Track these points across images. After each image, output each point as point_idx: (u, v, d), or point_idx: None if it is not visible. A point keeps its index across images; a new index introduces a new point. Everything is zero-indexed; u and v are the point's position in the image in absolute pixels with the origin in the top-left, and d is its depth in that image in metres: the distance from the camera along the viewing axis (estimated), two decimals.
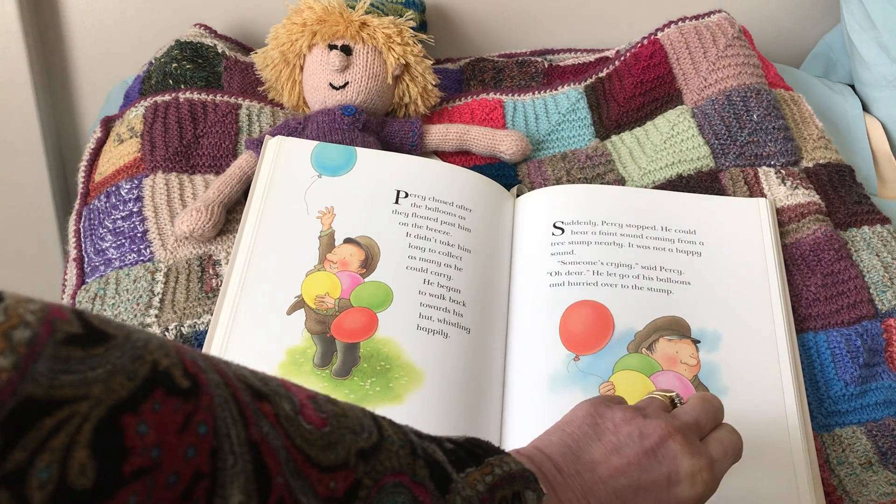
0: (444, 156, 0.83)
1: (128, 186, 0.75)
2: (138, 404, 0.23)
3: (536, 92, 0.88)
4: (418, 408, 0.57)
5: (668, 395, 0.47)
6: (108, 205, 0.75)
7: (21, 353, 0.22)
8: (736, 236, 0.69)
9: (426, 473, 0.33)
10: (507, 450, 0.40)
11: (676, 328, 0.62)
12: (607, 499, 0.39)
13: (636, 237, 0.68)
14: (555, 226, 0.68)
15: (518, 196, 0.74)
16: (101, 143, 0.84)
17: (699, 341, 0.61)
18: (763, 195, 0.75)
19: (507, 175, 0.81)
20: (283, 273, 0.64)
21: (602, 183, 0.79)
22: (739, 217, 0.71)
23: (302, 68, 0.81)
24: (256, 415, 0.27)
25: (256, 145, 0.76)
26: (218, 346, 0.59)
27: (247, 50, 0.96)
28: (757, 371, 0.60)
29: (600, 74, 0.88)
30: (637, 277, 0.65)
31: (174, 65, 0.87)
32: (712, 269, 0.66)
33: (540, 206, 0.71)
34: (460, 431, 0.56)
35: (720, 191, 0.76)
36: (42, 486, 0.21)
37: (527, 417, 0.58)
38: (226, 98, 0.84)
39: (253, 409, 0.27)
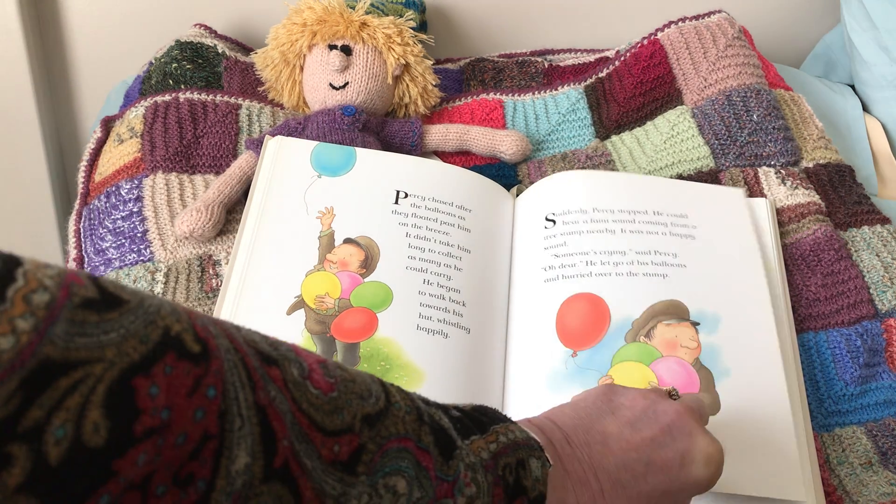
0: (444, 156, 0.83)
1: (128, 186, 0.75)
2: (150, 367, 0.24)
3: (536, 92, 0.88)
4: None
5: (665, 390, 0.48)
6: (108, 205, 0.75)
7: (40, 317, 0.22)
8: (726, 222, 0.69)
9: (431, 440, 0.33)
10: (516, 419, 0.39)
11: (675, 312, 0.61)
12: (616, 473, 0.39)
13: (628, 222, 0.67)
14: (546, 218, 0.68)
15: (518, 196, 0.74)
16: (101, 143, 0.84)
17: (698, 323, 0.61)
18: (763, 195, 0.75)
19: (507, 175, 0.81)
20: (282, 273, 0.64)
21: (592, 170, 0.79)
22: (728, 204, 0.71)
23: (302, 68, 0.81)
24: (265, 379, 0.28)
25: (256, 145, 0.76)
26: None
27: (247, 50, 0.96)
28: (756, 355, 0.60)
29: (600, 74, 0.88)
30: (631, 264, 0.64)
31: (174, 65, 0.87)
32: (706, 252, 0.66)
33: (533, 199, 0.71)
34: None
35: None
36: (58, 442, 0.22)
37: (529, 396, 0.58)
38: (226, 98, 0.84)
39: (261, 373, 0.28)
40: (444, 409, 0.36)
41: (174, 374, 0.24)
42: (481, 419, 0.37)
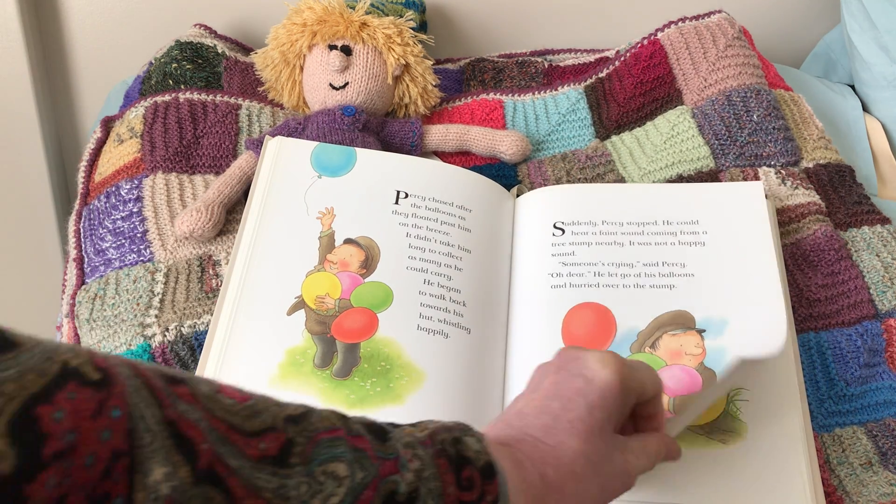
0: (444, 156, 0.83)
1: (128, 186, 0.75)
2: (52, 396, 0.25)
3: (536, 92, 0.88)
4: (419, 408, 0.57)
5: None
6: (108, 205, 0.75)
7: None
8: (741, 220, 0.68)
9: (361, 427, 0.35)
10: None
11: (681, 322, 0.62)
12: (539, 419, 0.42)
13: (637, 234, 0.67)
14: (555, 226, 0.68)
15: (518, 196, 0.74)
16: (101, 143, 0.84)
17: (704, 330, 0.61)
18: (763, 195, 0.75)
19: (507, 175, 0.81)
20: (283, 273, 0.64)
21: (602, 182, 0.79)
22: (740, 201, 0.70)
23: (302, 68, 0.81)
24: (171, 397, 0.29)
25: (256, 145, 0.76)
26: (218, 346, 0.59)
27: (247, 50, 0.96)
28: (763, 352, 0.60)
29: (600, 74, 0.88)
30: (639, 276, 0.64)
31: (174, 65, 0.87)
32: (717, 257, 0.65)
33: (540, 206, 0.71)
34: None
35: None
36: None
37: None
38: (226, 98, 0.84)
39: (167, 392, 0.29)
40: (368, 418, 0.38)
41: (77, 400, 0.26)
42: (414, 423, 0.38)
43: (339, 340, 0.60)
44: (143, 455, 0.27)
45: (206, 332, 0.63)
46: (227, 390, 0.31)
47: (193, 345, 0.63)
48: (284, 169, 0.70)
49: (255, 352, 0.59)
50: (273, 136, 0.74)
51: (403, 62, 0.80)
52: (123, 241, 0.71)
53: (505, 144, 0.80)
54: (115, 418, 0.26)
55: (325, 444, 0.32)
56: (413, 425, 0.38)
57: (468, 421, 0.39)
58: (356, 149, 0.72)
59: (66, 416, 0.25)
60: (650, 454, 0.45)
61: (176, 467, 0.27)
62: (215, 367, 0.58)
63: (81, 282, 0.71)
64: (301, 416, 0.33)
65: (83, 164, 0.82)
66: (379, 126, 0.80)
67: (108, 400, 0.26)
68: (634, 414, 0.47)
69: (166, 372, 0.30)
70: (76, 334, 0.67)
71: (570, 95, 0.87)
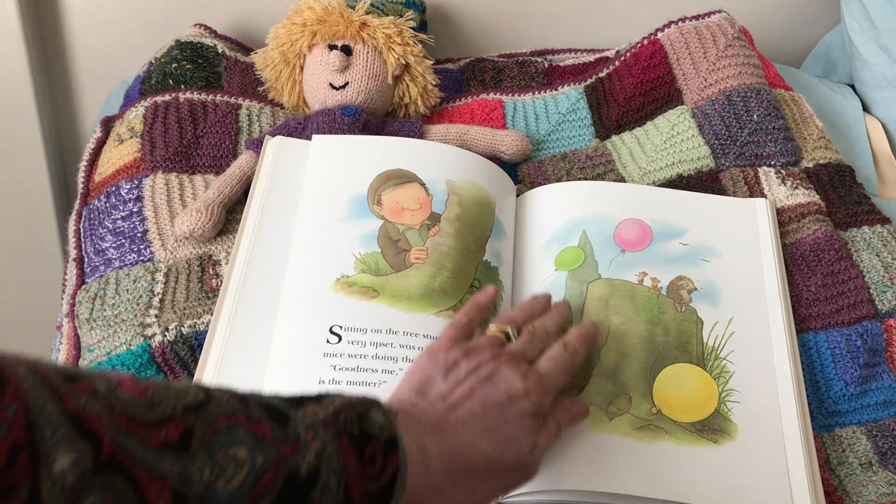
0: None
1: (128, 186, 0.75)
2: None
3: (536, 92, 0.88)
4: None
5: (503, 329, 0.53)
6: (108, 205, 0.75)
7: None
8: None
9: (261, 413, 0.36)
10: None
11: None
12: (462, 417, 0.45)
13: None
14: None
15: (518, 196, 0.74)
16: (101, 143, 0.84)
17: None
18: (763, 195, 0.75)
19: (508, 175, 0.81)
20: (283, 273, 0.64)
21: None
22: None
23: (302, 68, 0.81)
24: (71, 392, 0.30)
25: (256, 145, 0.76)
26: (218, 346, 0.59)
27: (247, 50, 0.96)
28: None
29: (600, 74, 0.88)
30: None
31: (174, 65, 0.87)
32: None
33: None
34: None
35: (720, 191, 0.76)
36: None
37: None
38: (226, 98, 0.84)
39: (67, 388, 0.30)
40: (273, 396, 0.39)
41: None
42: (314, 396, 0.40)
43: None
44: (46, 446, 0.28)
45: (206, 332, 0.63)
46: (125, 384, 0.33)
47: (193, 345, 0.63)
48: (285, 168, 0.70)
49: (255, 351, 0.59)
50: (273, 135, 0.74)
51: (403, 62, 0.80)
52: (123, 240, 0.71)
53: (505, 144, 0.80)
54: (10, 415, 0.27)
55: (225, 430, 0.34)
56: (317, 401, 0.39)
57: None
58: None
59: None
60: (550, 432, 0.49)
61: (81, 456, 0.29)
62: (215, 366, 0.58)
63: (81, 282, 0.71)
64: (200, 404, 0.34)
65: (83, 164, 0.82)
66: (379, 126, 0.80)
67: (3, 399, 0.28)
68: None
69: (63, 369, 0.31)
70: (76, 334, 0.67)
71: (570, 95, 0.87)
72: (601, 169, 0.80)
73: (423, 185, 0.67)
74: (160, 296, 0.66)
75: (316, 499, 0.36)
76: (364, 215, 0.66)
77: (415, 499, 0.41)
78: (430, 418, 0.45)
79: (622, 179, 0.79)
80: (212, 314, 0.63)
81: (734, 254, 0.67)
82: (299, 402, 0.39)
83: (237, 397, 0.36)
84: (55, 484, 0.28)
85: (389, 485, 0.39)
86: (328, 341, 0.59)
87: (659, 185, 0.78)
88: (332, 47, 0.79)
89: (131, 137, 0.80)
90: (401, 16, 0.82)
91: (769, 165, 0.78)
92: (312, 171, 0.69)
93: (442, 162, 0.70)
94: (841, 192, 0.76)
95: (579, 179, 0.79)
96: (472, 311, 0.55)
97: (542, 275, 0.66)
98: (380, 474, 0.38)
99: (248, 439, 0.34)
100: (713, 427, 0.56)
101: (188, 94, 0.83)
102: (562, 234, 0.69)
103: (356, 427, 0.39)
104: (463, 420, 0.45)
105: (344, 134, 0.76)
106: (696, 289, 0.64)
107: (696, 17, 0.88)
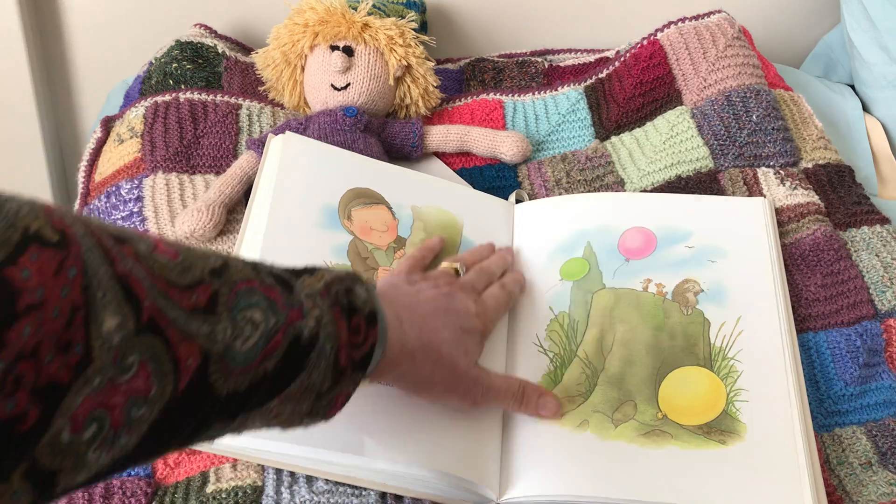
0: (445, 157, 0.83)
1: (128, 186, 0.75)
2: (17, 259, 0.28)
3: (536, 92, 0.88)
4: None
5: (454, 266, 0.61)
6: (108, 205, 0.75)
7: None
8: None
9: (271, 280, 0.40)
10: None
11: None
12: (429, 309, 0.53)
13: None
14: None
15: (518, 202, 0.74)
16: (101, 143, 0.84)
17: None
18: (762, 195, 0.75)
19: (507, 176, 0.81)
20: None
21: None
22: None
23: (303, 69, 0.81)
24: (120, 255, 0.32)
25: (257, 145, 0.76)
26: None
27: (247, 50, 0.96)
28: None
29: (600, 75, 0.88)
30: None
31: (174, 65, 0.87)
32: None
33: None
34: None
35: (719, 191, 0.76)
36: None
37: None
38: (226, 98, 0.84)
39: (116, 250, 0.32)
40: (273, 265, 0.43)
41: (41, 259, 0.29)
42: (308, 269, 0.44)
43: None
44: (96, 308, 0.30)
45: None
46: (161, 247, 0.35)
47: None
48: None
49: None
50: (276, 135, 0.74)
51: (405, 63, 0.80)
52: None
53: (505, 145, 0.80)
54: (71, 277, 0.29)
55: (244, 293, 0.37)
56: (311, 274, 0.43)
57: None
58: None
59: (33, 275, 0.28)
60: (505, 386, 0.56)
61: (125, 318, 0.31)
62: None
63: None
64: (222, 268, 0.37)
65: (83, 164, 0.82)
66: (380, 127, 0.80)
67: (66, 260, 0.29)
68: None
69: (113, 230, 0.34)
70: None
71: (570, 96, 0.87)
72: (600, 171, 0.80)
73: (390, 208, 0.68)
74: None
75: (313, 361, 0.40)
76: (335, 227, 0.66)
77: (393, 360, 0.46)
78: (403, 298, 0.52)
79: (621, 181, 0.79)
80: None
81: (740, 252, 0.67)
82: (298, 272, 0.43)
83: (249, 265, 0.40)
84: (104, 344, 0.30)
85: (368, 354, 0.43)
86: None
87: (658, 187, 0.78)
88: (333, 48, 0.79)
89: (131, 137, 0.80)
90: (402, 17, 0.82)
91: (768, 166, 0.78)
92: (288, 169, 0.68)
93: (409, 188, 0.71)
94: (840, 193, 0.76)
95: (579, 181, 0.79)
96: (425, 250, 0.64)
97: (547, 284, 0.66)
98: (362, 343, 0.43)
99: (262, 303, 0.38)
100: (721, 428, 0.56)
101: (188, 94, 0.83)
102: (566, 246, 0.69)
103: (345, 299, 0.42)
104: (430, 311, 0.52)
105: (345, 135, 0.76)
106: (702, 291, 0.64)
107: (696, 18, 0.88)
